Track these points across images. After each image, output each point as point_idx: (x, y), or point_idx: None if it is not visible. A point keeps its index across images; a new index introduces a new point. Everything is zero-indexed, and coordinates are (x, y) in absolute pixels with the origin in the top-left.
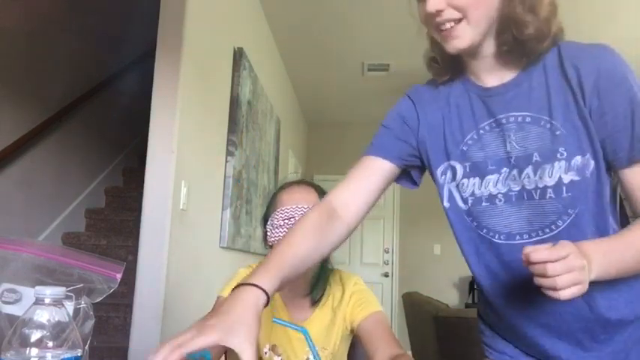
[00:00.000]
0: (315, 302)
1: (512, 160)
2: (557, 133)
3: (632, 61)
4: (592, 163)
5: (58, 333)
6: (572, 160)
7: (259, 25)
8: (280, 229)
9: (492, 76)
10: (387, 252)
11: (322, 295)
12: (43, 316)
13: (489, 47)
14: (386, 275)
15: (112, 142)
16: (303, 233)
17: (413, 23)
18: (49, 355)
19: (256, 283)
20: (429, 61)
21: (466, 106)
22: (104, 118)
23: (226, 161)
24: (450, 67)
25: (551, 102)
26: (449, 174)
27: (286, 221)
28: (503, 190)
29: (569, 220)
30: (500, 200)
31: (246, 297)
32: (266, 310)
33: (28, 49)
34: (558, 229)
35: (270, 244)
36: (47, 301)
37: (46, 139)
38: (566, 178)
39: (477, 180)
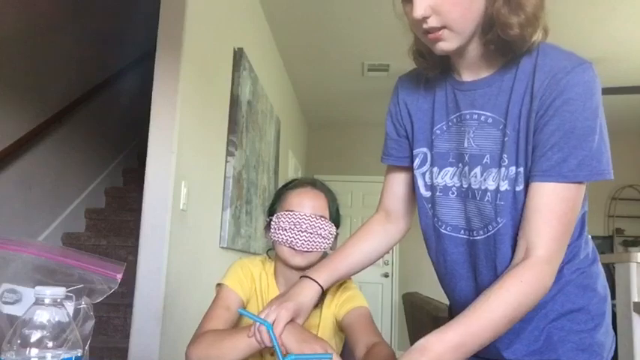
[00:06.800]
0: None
1: (466, 157)
2: (506, 139)
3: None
4: (523, 178)
5: (58, 333)
6: (509, 169)
7: (259, 25)
8: (285, 232)
9: (470, 72)
10: (387, 252)
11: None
12: (43, 316)
13: (475, 47)
14: (386, 275)
15: (112, 142)
16: (367, 237)
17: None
18: (49, 355)
19: (315, 279)
20: (415, 54)
21: (443, 97)
22: (104, 118)
23: (226, 161)
24: (438, 62)
25: (509, 108)
26: (417, 160)
27: (291, 226)
28: (458, 184)
29: (497, 228)
30: (452, 193)
31: (307, 288)
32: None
33: (28, 49)
34: (487, 234)
35: (273, 239)
36: (47, 301)
37: (46, 139)
38: (502, 186)
39: (435, 169)
